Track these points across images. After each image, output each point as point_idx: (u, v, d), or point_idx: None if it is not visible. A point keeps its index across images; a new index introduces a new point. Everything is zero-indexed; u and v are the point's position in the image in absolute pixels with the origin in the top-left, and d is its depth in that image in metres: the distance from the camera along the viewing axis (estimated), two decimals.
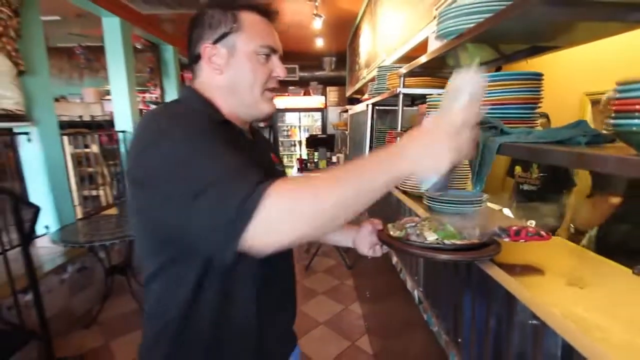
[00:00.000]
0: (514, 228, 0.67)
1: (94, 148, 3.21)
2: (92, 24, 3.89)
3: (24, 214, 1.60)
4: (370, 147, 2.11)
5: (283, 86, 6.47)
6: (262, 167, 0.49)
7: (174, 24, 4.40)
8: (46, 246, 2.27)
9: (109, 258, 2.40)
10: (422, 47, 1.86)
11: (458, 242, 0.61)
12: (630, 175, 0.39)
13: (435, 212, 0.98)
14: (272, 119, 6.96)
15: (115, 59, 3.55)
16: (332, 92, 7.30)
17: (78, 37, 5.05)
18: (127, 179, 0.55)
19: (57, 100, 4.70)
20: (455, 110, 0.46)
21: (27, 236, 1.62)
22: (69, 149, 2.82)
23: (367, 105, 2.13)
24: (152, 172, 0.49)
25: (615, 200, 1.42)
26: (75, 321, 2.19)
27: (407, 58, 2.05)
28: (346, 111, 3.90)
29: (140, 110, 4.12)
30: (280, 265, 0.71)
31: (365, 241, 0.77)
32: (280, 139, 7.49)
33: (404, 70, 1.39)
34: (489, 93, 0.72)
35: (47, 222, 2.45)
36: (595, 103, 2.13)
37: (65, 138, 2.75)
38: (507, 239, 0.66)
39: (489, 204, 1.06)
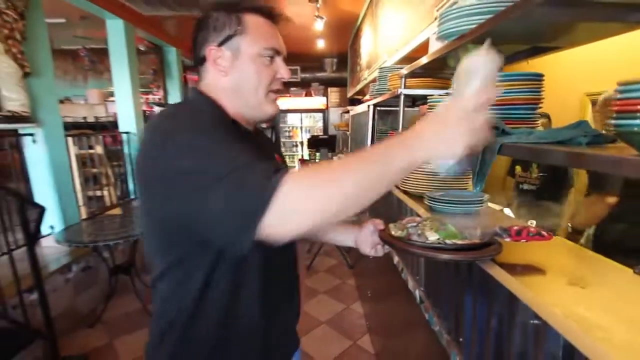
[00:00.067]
0: (515, 228, 0.67)
1: (98, 149, 3.23)
2: (96, 26, 3.93)
3: (29, 214, 1.62)
4: None
5: (285, 87, 6.47)
6: None
7: (176, 26, 4.43)
8: (51, 246, 2.29)
9: (112, 258, 2.41)
10: (423, 48, 1.87)
11: (459, 242, 0.61)
12: (631, 176, 0.39)
13: (436, 212, 0.98)
14: (275, 120, 6.97)
15: (118, 61, 3.58)
16: (334, 93, 7.31)
17: (82, 40, 5.10)
18: (138, 179, 0.56)
19: (61, 101, 4.73)
20: (469, 93, 0.45)
21: (33, 236, 1.64)
22: (73, 150, 2.84)
23: (369, 106, 2.14)
24: (168, 167, 0.49)
25: (612, 199, 1.43)
26: (79, 320, 2.20)
27: (408, 59, 2.06)
28: (347, 112, 3.91)
29: (144, 111, 4.15)
30: (285, 264, 0.72)
31: (367, 241, 0.77)
32: (282, 139, 7.50)
33: (405, 71, 1.40)
34: None
35: (52, 222, 2.47)
36: (595, 103, 2.13)
37: (70, 139, 2.77)
38: (508, 239, 0.66)
39: (490, 204, 1.06)
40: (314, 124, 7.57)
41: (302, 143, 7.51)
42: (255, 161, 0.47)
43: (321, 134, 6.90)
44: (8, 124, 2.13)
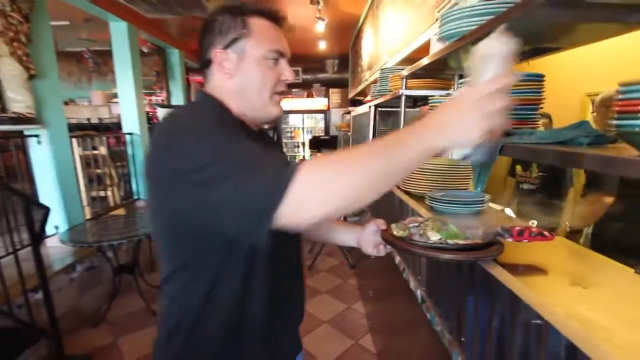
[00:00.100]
0: (517, 228, 0.67)
1: (102, 150, 3.25)
2: (99, 29, 3.96)
3: (34, 214, 1.64)
4: None
5: (287, 89, 6.49)
6: None
7: (179, 28, 4.46)
8: (56, 246, 2.31)
9: (116, 257, 2.43)
10: (424, 49, 1.87)
11: (461, 242, 0.61)
12: (633, 176, 0.39)
13: (438, 213, 0.98)
14: (277, 121, 6.99)
15: (122, 63, 3.61)
16: (335, 94, 7.32)
17: (86, 42, 5.14)
18: (148, 181, 0.56)
19: (66, 103, 4.77)
20: (485, 78, 0.44)
21: (38, 236, 1.66)
22: (77, 151, 2.87)
23: (370, 106, 2.14)
24: (181, 165, 0.49)
25: (609, 199, 1.45)
26: (84, 320, 2.22)
27: (409, 60, 2.06)
28: (349, 113, 3.92)
29: (147, 112, 4.17)
30: (291, 265, 0.73)
31: (369, 241, 0.78)
32: (284, 140, 7.52)
33: (406, 72, 1.40)
34: None
35: (56, 223, 2.49)
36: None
37: (74, 140, 2.79)
38: (510, 239, 0.66)
39: (491, 204, 1.07)
40: (316, 124, 7.59)
41: (303, 144, 7.53)
42: (269, 153, 0.48)
43: (323, 134, 6.92)
44: (13, 126, 2.15)
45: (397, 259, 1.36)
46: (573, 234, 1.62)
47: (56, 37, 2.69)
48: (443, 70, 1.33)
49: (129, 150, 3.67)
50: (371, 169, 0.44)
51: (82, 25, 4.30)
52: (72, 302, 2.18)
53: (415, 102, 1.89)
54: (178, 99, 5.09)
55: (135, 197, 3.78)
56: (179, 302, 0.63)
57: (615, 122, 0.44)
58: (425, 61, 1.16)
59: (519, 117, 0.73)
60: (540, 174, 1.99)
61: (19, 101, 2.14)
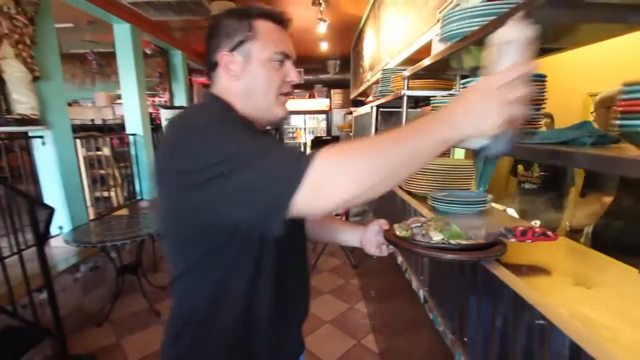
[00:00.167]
0: (520, 228, 0.67)
1: (106, 151, 3.27)
2: (103, 31, 4.00)
3: (38, 214, 1.65)
4: None
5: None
6: None
7: (182, 30, 4.48)
8: (60, 246, 2.32)
9: (120, 258, 2.44)
10: (425, 49, 1.87)
11: (464, 242, 0.61)
12: (637, 176, 0.39)
13: (440, 213, 0.99)
14: (282, 121, 7.02)
15: (125, 64, 3.63)
16: (337, 95, 7.33)
17: (90, 44, 5.18)
18: (160, 183, 0.57)
19: (70, 104, 4.81)
20: (503, 66, 0.43)
21: (42, 236, 1.67)
22: (81, 152, 2.89)
23: (372, 107, 2.15)
24: (197, 161, 0.49)
25: (608, 199, 1.45)
26: (87, 319, 2.23)
27: (410, 61, 2.06)
28: (350, 113, 3.92)
29: (150, 114, 4.20)
30: (297, 265, 0.73)
31: (372, 241, 0.78)
32: (286, 140, 7.54)
33: (408, 72, 1.41)
34: None
35: (60, 223, 2.51)
36: None
37: (78, 141, 2.81)
38: (513, 239, 0.66)
39: (493, 204, 1.07)
40: (317, 125, 7.60)
41: (305, 144, 7.54)
42: (283, 144, 0.48)
43: (324, 135, 6.93)
44: (18, 127, 2.17)
45: (400, 259, 1.36)
46: (573, 233, 1.62)
47: (60, 39, 2.71)
48: (445, 70, 1.33)
49: (132, 151, 3.69)
50: (387, 158, 0.44)
51: (86, 28, 4.33)
52: (76, 302, 2.19)
53: (417, 102, 1.89)
54: (181, 100, 5.12)
55: (139, 197, 3.80)
56: (186, 303, 0.64)
57: (618, 122, 0.44)
58: (427, 62, 1.17)
59: None
60: (542, 173, 1.99)
61: (24, 103, 2.16)
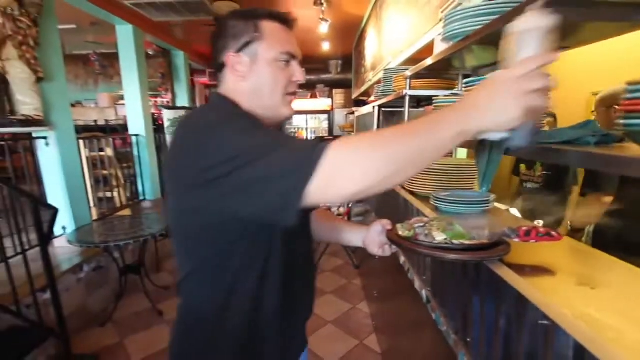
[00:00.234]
0: (524, 228, 0.66)
1: (109, 151, 3.29)
2: (106, 32, 4.02)
3: (42, 215, 1.66)
4: None
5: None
6: None
7: (184, 30, 4.50)
8: (63, 246, 2.34)
9: (123, 258, 2.45)
10: (427, 49, 1.87)
11: (467, 242, 0.61)
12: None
13: (443, 213, 0.98)
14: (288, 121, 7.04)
15: (128, 65, 3.65)
16: (339, 95, 7.33)
17: (93, 45, 5.21)
18: (172, 183, 0.57)
19: (73, 105, 4.84)
20: (523, 57, 0.41)
21: (46, 237, 1.68)
22: (84, 153, 2.91)
23: (374, 107, 2.14)
24: (211, 157, 0.49)
25: (607, 198, 1.45)
26: (91, 319, 2.24)
27: (412, 60, 2.06)
28: (352, 113, 3.92)
29: (153, 114, 4.22)
30: (302, 264, 0.74)
31: (375, 241, 0.78)
32: None
33: (410, 72, 1.40)
34: None
35: (64, 223, 2.53)
36: None
37: (81, 142, 2.83)
38: (516, 240, 0.65)
39: (496, 204, 1.06)
40: (319, 125, 7.60)
41: None
42: (295, 137, 0.49)
43: (326, 135, 6.93)
44: (22, 128, 2.19)
45: (402, 259, 1.36)
46: (574, 233, 1.62)
47: (64, 40, 2.74)
48: (447, 70, 1.33)
49: (135, 152, 3.71)
50: (402, 150, 0.44)
51: (89, 29, 4.36)
52: (80, 302, 2.20)
53: (419, 102, 1.89)
54: (183, 100, 5.14)
55: (141, 198, 3.82)
56: (194, 303, 0.65)
57: (622, 121, 0.44)
58: (429, 61, 1.17)
59: None
60: (544, 172, 1.98)
61: (28, 104, 2.18)
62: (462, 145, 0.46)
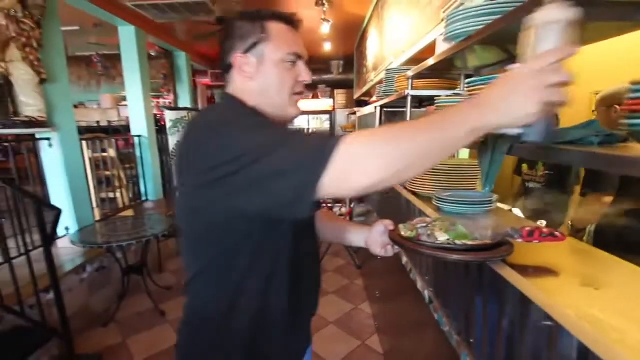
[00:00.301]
0: (527, 229, 0.66)
1: (111, 152, 3.30)
2: (108, 33, 4.03)
3: (46, 216, 1.67)
4: None
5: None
6: None
7: (186, 31, 4.52)
8: (66, 247, 2.34)
9: (125, 258, 2.46)
10: (429, 49, 1.87)
11: (469, 242, 0.61)
12: None
13: (445, 213, 0.98)
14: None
15: (130, 66, 3.67)
16: (340, 95, 7.31)
17: (95, 46, 5.23)
18: (185, 182, 0.58)
19: (76, 106, 4.86)
20: (542, 51, 0.40)
21: (49, 237, 1.69)
22: (87, 154, 2.92)
23: (376, 107, 2.14)
24: (224, 153, 0.49)
25: (607, 198, 1.45)
26: (94, 319, 2.25)
27: (414, 60, 2.06)
28: (354, 113, 3.92)
29: (155, 115, 4.23)
30: (310, 268, 0.74)
31: (377, 241, 0.78)
32: None
33: (412, 72, 1.40)
34: None
35: (67, 224, 2.54)
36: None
37: (84, 143, 2.84)
38: (520, 240, 0.65)
39: (498, 204, 1.06)
40: (321, 125, 7.59)
41: None
42: (305, 132, 0.50)
43: None
44: (26, 129, 2.20)
45: (404, 259, 1.35)
46: (576, 232, 1.61)
47: (66, 42, 2.75)
48: (449, 70, 1.33)
49: (138, 153, 3.72)
50: (416, 144, 0.44)
51: (91, 30, 4.38)
52: (83, 302, 2.21)
53: (421, 102, 1.88)
54: (185, 101, 5.16)
55: (144, 198, 3.83)
56: (202, 302, 0.65)
57: (626, 120, 0.43)
58: (431, 61, 1.16)
59: None
60: (546, 172, 1.97)
61: (31, 105, 2.19)
62: (465, 145, 0.46)
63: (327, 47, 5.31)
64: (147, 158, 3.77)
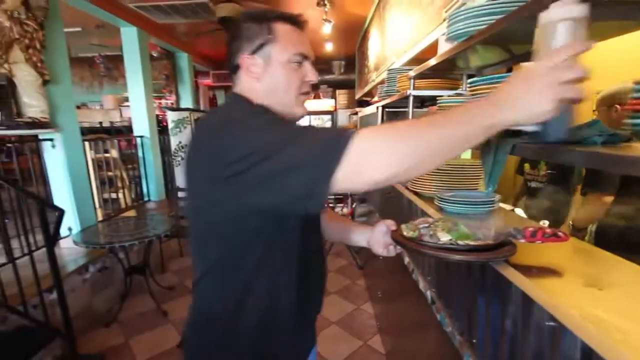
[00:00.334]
0: (530, 229, 0.65)
1: (114, 153, 3.32)
2: (111, 34, 4.06)
3: (49, 216, 1.68)
4: None
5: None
6: None
7: (188, 33, 4.53)
8: (69, 247, 2.35)
9: (128, 258, 2.47)
10: (431, 49, 1.86)
11: (472, 242, 0.61)
12: None
13: (447, 213, 0.98)
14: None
15: (133, 67, 3.68)
16: (342, 95, 7.31)
17: (98, 47, 5.26)
18: (196, 181, 0.58)
19: (78, 107, 4.89)
20: (555, 47, 0.41)
21: (52, 238, 1.70)
22: (90, 154, 2.93)
23: (377, 107, 2.14)
24: (239, 147, 0.50)
25: (608, 198, 1.44)
26: (96, 320, 2.26)
27: (416, 60, 2.05)
28: (356, 113, 3.91)
29: (157, 115, 4.25)
30: (317, 267, 0.74)
31: (379, 241, 0.78)
32: None
33: (413, 72, 1.40)
34: None
35: (70, 224, 2.55)
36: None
37: (87, 143, 2.86)
38: (522, 240, 0.65)
39: (501, 204, 1.05)
40: (323, 125, 7.60)
41: None
42: (317, 127, 0.50)
43: None
44: (29, 130, 2.22)
45: (406, 259, 1.35)
46: (577, 232, 1.61)
47: (69, 43, 2.76)
48: (451, 70, 1.33)
49: (140, 153, 3.74)
50: (430, 140, 0.44)
51: (94, 32, 4.40)
52: (85, 302, 2.22)
53: (423, 102, 1.88)
54: (187, 101, 5.17)
55: (146, 199, 3.84)
56: (209, 302, 0.66)
57: (630, 120, 0.43)
58: (433, 61, 1.16)
59: None
60: (549, 171, 1.97)
61: (34, 106, 2.21)
62: (480, 142, 0.46)
63: (329, 47, 5.32)
64: (149, 158, 3.79)
